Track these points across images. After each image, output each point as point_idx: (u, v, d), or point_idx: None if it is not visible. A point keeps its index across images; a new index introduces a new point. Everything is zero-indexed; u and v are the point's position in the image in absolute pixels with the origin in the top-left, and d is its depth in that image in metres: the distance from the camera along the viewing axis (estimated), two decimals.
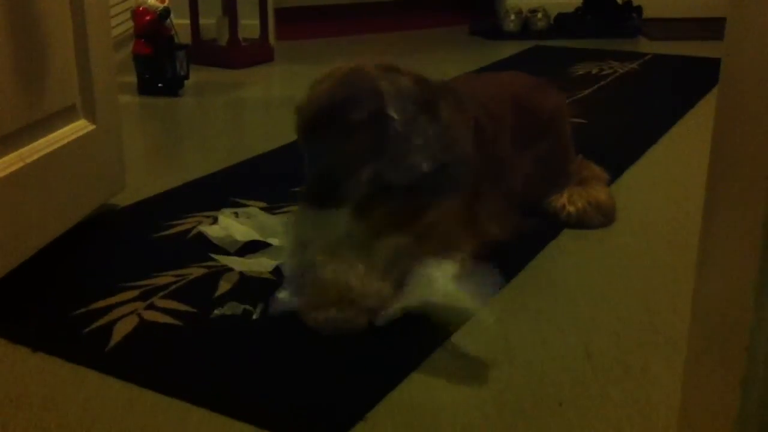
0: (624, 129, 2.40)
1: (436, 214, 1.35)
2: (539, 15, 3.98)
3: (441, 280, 1.22)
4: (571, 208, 1.68)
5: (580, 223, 1.68)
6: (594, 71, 3.14)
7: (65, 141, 1.56)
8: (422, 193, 1.34)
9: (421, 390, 1.14)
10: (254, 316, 1.31)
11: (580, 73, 3.12)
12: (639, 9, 3.97)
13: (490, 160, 1.49)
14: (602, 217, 1.70)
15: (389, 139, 1.29)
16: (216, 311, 1.32)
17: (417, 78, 1.36)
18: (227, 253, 1.53)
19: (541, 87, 1.77)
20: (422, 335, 1.25)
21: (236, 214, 1.64)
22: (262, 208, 1.70)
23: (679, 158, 2.15)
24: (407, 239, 1.31)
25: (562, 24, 3.97)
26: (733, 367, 0.77)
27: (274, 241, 1.55)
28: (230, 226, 1.59)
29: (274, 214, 1.68)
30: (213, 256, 1.51)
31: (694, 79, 2.98)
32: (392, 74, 1.33)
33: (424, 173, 1.31)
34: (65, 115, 1.59)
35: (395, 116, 1.29)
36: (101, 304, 1.34)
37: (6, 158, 1.39)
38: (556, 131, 1.73)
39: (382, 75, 1.32)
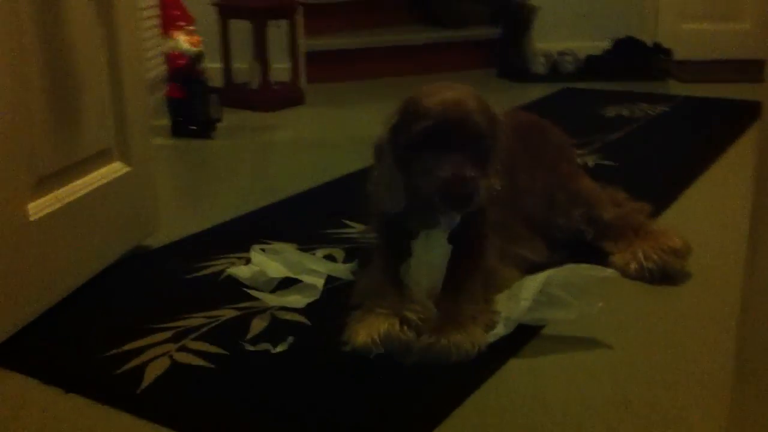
0: (657, 172, 2.38)
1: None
2: (568, 57, 3.98)
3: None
4: (650, 265, 1.57)
5: (665, 277, 1.57)
6: (625, 114, 3.13)
7: (101, 183, 1.59)
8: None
9: None
10: (279, 349, 1.32)
11: (611, 115, 3.11)
12: (668, 51, 3.96)
13: (508, 189, 1.51)
14: (683, 263, 1.60)
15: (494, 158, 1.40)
16: (248, 347, 1.33)
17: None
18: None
19: (541, 121, 1.83)
20: (450, 386, 1.24)
21: (264, 251, 1.65)
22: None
23: (714, 202, 2.12)
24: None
25: (591, 66, 3.97)
26: None
27: (305, 278, 1.55)
28: (262, 262, 1.59)
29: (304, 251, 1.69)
30: (248, 291, 1.53)
31: (726, 122, 2.95)
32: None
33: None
34: (101, 157, 1.61)
35: (503, 139, 1.41)
36: (133, 345, 1.34)
37: (43, 199, 1.41)
38: (566, 158, 1.77)
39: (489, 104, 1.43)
